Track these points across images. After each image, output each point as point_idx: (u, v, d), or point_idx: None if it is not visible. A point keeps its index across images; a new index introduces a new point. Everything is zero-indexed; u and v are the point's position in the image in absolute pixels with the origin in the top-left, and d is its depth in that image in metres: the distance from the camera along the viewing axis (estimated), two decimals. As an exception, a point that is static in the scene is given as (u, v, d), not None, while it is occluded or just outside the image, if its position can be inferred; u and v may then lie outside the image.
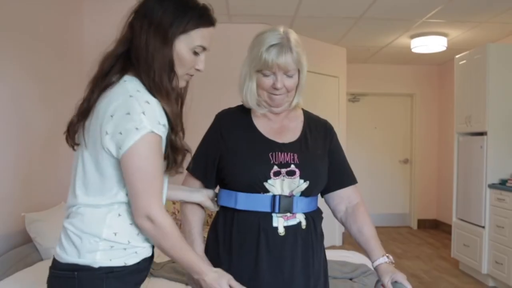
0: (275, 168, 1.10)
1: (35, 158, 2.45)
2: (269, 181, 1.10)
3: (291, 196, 1.12)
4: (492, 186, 3.22)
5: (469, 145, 3.55)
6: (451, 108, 4.39)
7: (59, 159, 2.65)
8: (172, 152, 0.97)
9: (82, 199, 0.95)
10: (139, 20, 0.95)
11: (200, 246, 1.15)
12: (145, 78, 0.94)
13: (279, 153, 1.12)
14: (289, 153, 1.13)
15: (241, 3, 3.20)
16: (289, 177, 1.11)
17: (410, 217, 5.57)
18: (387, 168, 5.54)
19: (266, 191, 1.10)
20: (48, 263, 2.01)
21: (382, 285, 1.10)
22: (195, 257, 0.98)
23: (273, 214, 1.11)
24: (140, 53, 0.94)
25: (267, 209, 1.10)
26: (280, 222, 1.10)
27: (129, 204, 0.95)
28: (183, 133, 1.03)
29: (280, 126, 1.18)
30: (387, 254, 1.14)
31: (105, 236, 0.93)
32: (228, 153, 1.14)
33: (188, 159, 1.08)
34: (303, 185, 1.12)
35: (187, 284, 2.09)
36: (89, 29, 3.17)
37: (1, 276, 1.86)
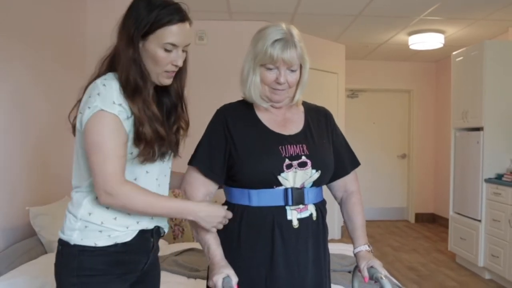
0: (287, 161, 1.10)
1: (38, 153, 2.46)
2: (282, 174, 1.10)
3: (302, 188, 1.13)
4: (488, 180, 3.27)
5: (466, 140, 3.59)
6: (448, 104, 4.43)
7: (62, 154, 2.67)
8: (137, 140, 1.01)
9: (73, 183, 1.07)
10: (120, 26, 1.04)
11: (216, 251, 1.08)
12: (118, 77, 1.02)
13: (289, 146, 1.12)
14: (297, 145, 1.13)
15: (241, 0, 3.22)
16: (301, 168, 1.11)
17: (408, 211, 5.62)
18: (385, 163, 5.59)
19: (279, 184, 1.10)
20: (51, 256, 2.05)
21: (359, 270, 1.13)
22: (175, 202, 1.05)
23: (287, 207, 1.11)
24: (116, 56, 1.03)
25: (281, 203, 1.11)
26: (294, 215, 1.11)
27: None
28: (184, 127, 1.13)
29: (283, 119, 1.18)
30: (368, 244, 1.18)
31: (80, 215, 1.02)
32: (237, 148, 1.12)
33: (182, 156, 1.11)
34: (316, 175, 1.13)
35: (188, 277, 2.13)
36: (92, 26, 3.18)
37: (6, 268, 1.88)
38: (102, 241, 1.01)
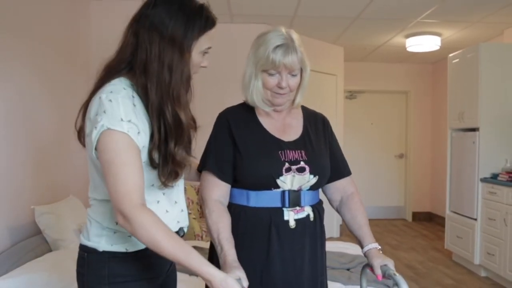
0: (286, 165, 1.13)
1: (43, 154, 2.49)
2: (281, 177, 1.12)
3: (299, 190, 1.15)
4: (484, 180, 3.32)
5: (462, 141, 3.64)
6: (444, 105, 4.48)
7: (67, 155, 2.71)
8: (169, 163, 0.93)
9: (91, 193, 1.01)
10: (146, 32, 0.93)
11: (229, 251, 1.05)
12: (155, 90, 0.92)
13: (288, 151, 1.15)
14: (296, 151, 1.16)
15: (242, 3, 3.27)
16: (300, 173, 1.14)
17: (405, 210, 5.68)
18: (383, 163, 5.65)
19: (277, 187, 1.13)
20: (57, 254, 2.09)
21: (370, 268, 1.14)
22: (187, 256, 0.87)
23: (284, 209, 1.14)
24: (150, 66, 0.92)
25: (278, 204, 1.13)
26: (291, 216, 1.14)
27: None
28: (185, 143, 1.00)
29: (283, 124, 1.21)
30: (377, 242, 1.19)
31: (107, 224, 0.98)
32: (239, 151, 1.14)
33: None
34: (313, 180, 1.16)
35: (190, 274, 2.16)
36: (96, 30, 3.22)
37: (12, 266, 1.90)
38: (134, 246, 0.97)
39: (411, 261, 3.81)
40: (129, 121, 0.90)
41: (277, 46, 1.10)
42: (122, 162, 0.88)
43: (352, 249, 2.59)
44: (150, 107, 0.94)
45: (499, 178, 3.19)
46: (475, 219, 3.39)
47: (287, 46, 1.11)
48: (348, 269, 2.25)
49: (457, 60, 3.72)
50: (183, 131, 0.95)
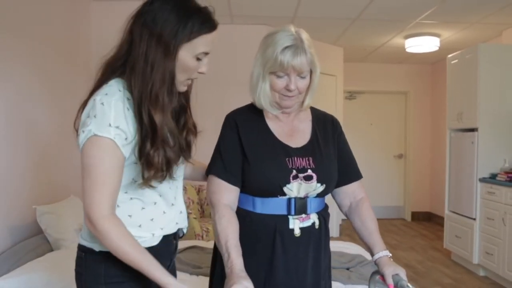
0: (294, 172, 1.10)
1: (45, 154, 2.49)
2: (288, 185, 1.09)
3: (305, 198, 1.12)
4: (482, 180, 3.33)
5: (461, 141, 3.65)
6: (443, 105, 4.50)
7: (67, 155, 2.72)
8: (144, 164, 0.92)
9: None
10: (139, 28, 0.92)
11: (236, 260, 1.00)
12: (138, 88, 0.91)
13: (295, 158, 1.12)
14: (304, 158, 1.13)
15: (242, 4, 3.28)
16: (307, 181, 1.11)
17: (405, 210, 5.70)
18: (382, 163, 5.67)
19: (283, 194, 1.10)
20: (58, 253, 2.10)
21: (381, 276, 1.10)
22: (149, 266, 0.89)
23: (289, 216, 1.11)
24: (137, 63, 0.91)
25: (283, 212, 1.11)
26: (296, 224, 1.11)
27: (127, 197, 0.97)
28: (184, 145, 1.00)
29: (291, 128, 1.17)
30: (387, 250, 1.15)
31: None
32: (246, 157, 1.12)
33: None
34: (320, 188, 1.13)
35: (191, 274, 2.18)
36: (96, 30, 3.23)
37: (14, 265, 1.91)
38: None
39: (410, 260, 3.82)
40: (117, 127, 0.89)
41: (286, 47, 1.06)
42: (103, 169, 0.89)
43: (351, 248, 2.60)
44: (134, 104, 0.93)
45: (497, 178, 3.21)
46: (474, 219, 3.41)
47: (296, 47, 1.06)
48: (347, 269, 2.26)
49: (456, 60, 3.74)
50: (157, 135, 0.92)
